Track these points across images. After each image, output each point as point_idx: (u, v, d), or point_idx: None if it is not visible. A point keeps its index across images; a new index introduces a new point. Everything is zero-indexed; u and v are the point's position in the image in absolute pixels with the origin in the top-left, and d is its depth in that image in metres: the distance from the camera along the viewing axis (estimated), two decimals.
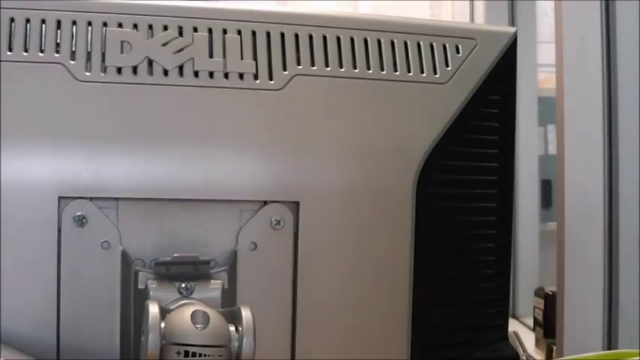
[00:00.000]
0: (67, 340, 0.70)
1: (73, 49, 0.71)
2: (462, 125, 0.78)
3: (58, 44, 0.70)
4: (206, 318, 0.64)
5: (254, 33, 0.75)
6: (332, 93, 0.75)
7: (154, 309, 0.64)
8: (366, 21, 0.79)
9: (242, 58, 0.74)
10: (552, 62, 1.42)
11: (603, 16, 1.33)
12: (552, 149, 2.05)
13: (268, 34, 0.75)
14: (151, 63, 0.72)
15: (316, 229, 0.74)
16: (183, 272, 0.70)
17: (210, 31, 0.74)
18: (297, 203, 0.74)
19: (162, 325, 0.64)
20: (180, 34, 0.73)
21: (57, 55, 0.70)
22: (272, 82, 0.74)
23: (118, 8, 0.73)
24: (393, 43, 0.77)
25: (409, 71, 0.77)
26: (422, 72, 0.77)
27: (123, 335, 0.71)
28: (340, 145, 0.75)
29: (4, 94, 0.68)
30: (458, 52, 0.79)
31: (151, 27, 0.73)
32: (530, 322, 1.59)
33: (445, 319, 0.80)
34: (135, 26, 0.72)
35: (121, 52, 0.71)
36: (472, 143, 0.80)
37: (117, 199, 0.71)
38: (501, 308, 0.83)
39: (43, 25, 0.71)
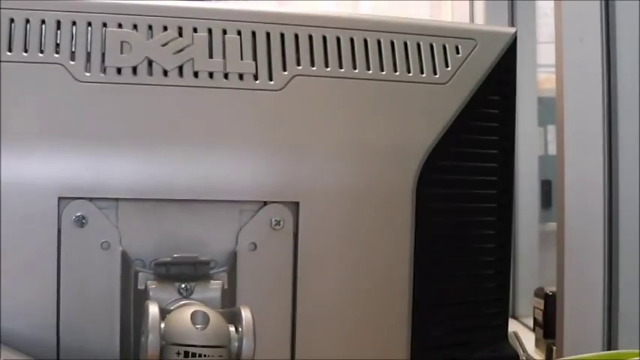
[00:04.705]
0: (67, 340, 0.70)
1: (73, 49, 0.71)
2: (461, 125, 0.78)
3: (57, 45, 0.70)
4: (206, 318, 0.64)
5: (254, 33, 0.75)
6: (332, 93, 0.75)
7: (153, 309, 0.64)
8: (366, 21, 0.79)
9: (242, 59, 0.74)
10: (552, 62, 1.42)
11: (603, 16, 1.33)
12: (552, 149, 2.05)
13: (268, 34, 0.75)
14: (150, 63, 0.72)
15: (316, 230, 0.74)
16: (183, 272, 0.70)
17: (209, 31, 0.74)
18: (297, 203, 0.74)
19: (162, 325, 0.64)
20: (180, 34, 0.73)
21: (57, 55, 0.70)
22: (272, 82, 0.74)
23: (118, 8, 0.72)
24: (392, 43, 0.77)
25: (409, 71, 0.77)
26: (422, 72, 0.77)
27: (123, 335, 0.71)
28: (340, 145, 0.75)
29: (4, 94, 0.68)
30: (458, 52, 0.79)
31: (150, 27, 0.73)
32: (530, 322, 1.59)
33: (445, 319, 0.80)
34: (135, 27, 0.72)
35: (121, 53, 0.71)
36: (472, 143, 0.80)
37: (117, 199, 0.71)
38: (501, 308, 0.83)
39: (43, 26, 0.71)
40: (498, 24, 1.99)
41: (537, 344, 1.49)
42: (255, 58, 0.74)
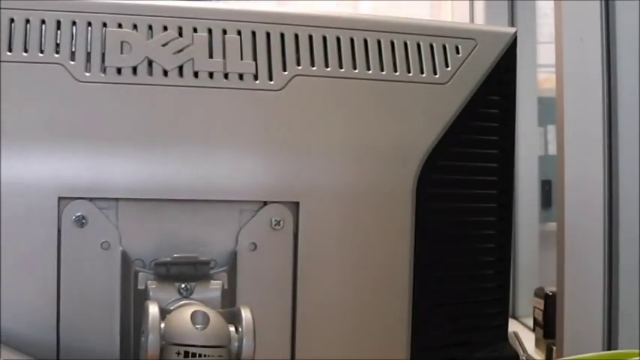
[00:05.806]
0: (67, 340, 0.70)
1: (73, 49, 0.71)
2: (461, 125, 0.78)
3: (57, 45, 0.70)
4: (206, 318, 0.64)
5: (254, 33, 0.75)
6: (332, 93, 0.75)
7: (153, 309, 0.64)
8: (366, 21, 0.79)
9: (242, 59, 0.74)
10: (552, 62, 1.42)
11: (603, 16, 1.33)
12: (552, 149, 2.05)
13: (268, 34, 0.75)
14: (150, 63, 0.72)
15: (316, 230, 0.74)
16: (183, 272, 0.70)
17: (209, 31, 0.74)
18: (297, 204, 0.74)
19: (162, 325, 0.64)
20: (180, 34, 0.73)
21: (57, 55, 0.70)
22: (272, 82, 0.74)
23: (118, 8, 0.73)
24: (392, 43, 0.77)
25: (409, 71, 0.77)
26: (422, 72, 0.77)
27: (123, 336, 0.71)
28: (340, 146, 0.75)
29: (4, 94, 0.68)
30: (458, 52, 0.79)
31: (150, 27, 0.73)
32: (530, 322, 1.59)
33: (445, 319, 0.80)
34: (135, 27, 0.72)
35: (121, 53, 0.71)
36: (472, 143, 0.80)
37: (117, 199, 0.71)
38: (501, 308, 0.83)
39: (43, 26, 0.71)
40: (498, 24, 1.99)
41: (537, 344, 1.49)
42: (255, 58, 0.74)
